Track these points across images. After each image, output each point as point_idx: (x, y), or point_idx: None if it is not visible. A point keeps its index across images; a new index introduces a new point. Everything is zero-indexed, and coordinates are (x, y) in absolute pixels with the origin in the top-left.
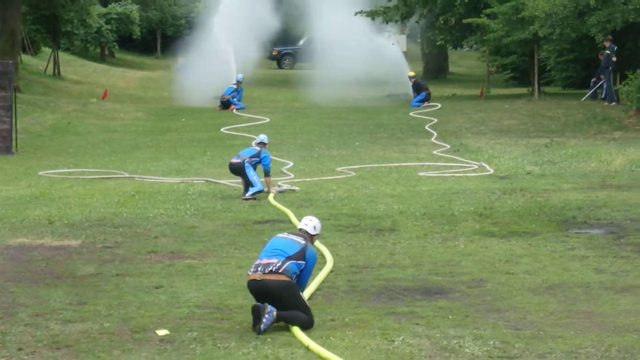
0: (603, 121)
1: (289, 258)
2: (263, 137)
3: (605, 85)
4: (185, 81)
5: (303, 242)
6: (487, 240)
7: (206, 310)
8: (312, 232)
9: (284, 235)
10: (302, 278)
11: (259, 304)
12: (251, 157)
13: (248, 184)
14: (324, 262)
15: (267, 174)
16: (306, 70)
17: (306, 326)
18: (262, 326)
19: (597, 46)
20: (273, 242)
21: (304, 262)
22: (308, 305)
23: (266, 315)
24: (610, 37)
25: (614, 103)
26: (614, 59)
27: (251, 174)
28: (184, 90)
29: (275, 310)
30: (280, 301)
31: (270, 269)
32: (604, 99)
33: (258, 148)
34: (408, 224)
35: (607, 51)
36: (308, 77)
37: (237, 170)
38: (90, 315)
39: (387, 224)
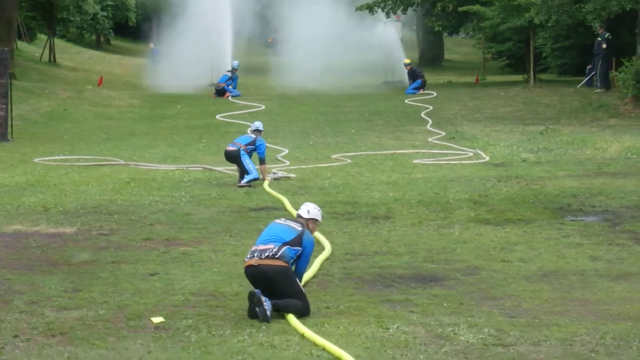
0: (599, 108)
1: (285, 244)
2: (258, 124)
3: (595, 72)
4: (156, 67)
5: (300, 228)
6: (482, 228)
7: (201, 298)
8: (305, 215)
9: (282, 221)
10: (299, 265)
11: (255, 290)
12: (247, 144)
13: (243, 171)
14: (322, 250)
15: (262, 161)
16: (303, 58)
17: (302, 313)
18: (267, 313)
19: (593, 33)
20: (270, 228)
21: (300, 248)
22: (303, 292)
23: (265, 304)
24: (603, 24)
25: (599, 90)
26: (604, 46)
27: (247, 161)
28: (158, 76)
29: (268, 299)
30: (276, 286)
31: (266, 254)
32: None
33: (253, 136)
34: (403, 211)
35: (599, 38)
36: (304, 65)
37: (233, 158)
38: (85, 303)
39: (382, 212)
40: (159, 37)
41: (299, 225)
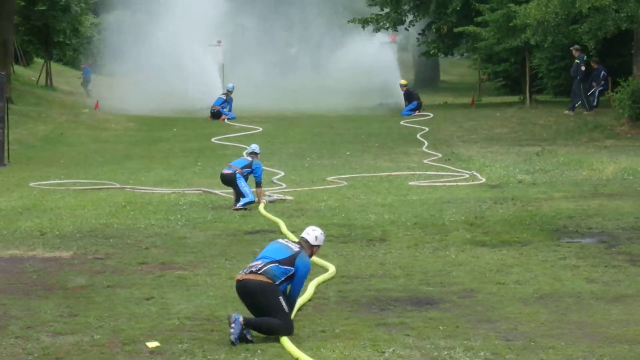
0: (595, 129)
1: (274, 262)
2: (254, 147)
3: (576, 94)
4: (87, 85)
5: (297, 249)
6: (478, 250)
7: (196, 322)
8: (312, 242)
9: (282, 241)
10: (292, 287)
11: (229, 314)
12: (242, 167)
13: (239, 194)
14: (318, 273)
15: (258, 185)
16: (298, 78)
17: (281, 332)
18: (232, 337)
19: (589, 54)
20: (268, 246)
21: (292, 269)
22: (286, 310)
23: (232, 325)
24: (578, 46)
25: (587, 112)
26: (583, 68)
27: (242, 184)
28: (90, 95)
29: (240, 317)
30: (258, 301)
31: (252, 269)
32: (595, 106)
33: (250, 158)
34: (399, 233)
35: (577, 60)
36: (300, 86)
37: (229, 181)
38: (81, 327)
39: (378, 234)
40: (90, 56)
41: (298, 247)
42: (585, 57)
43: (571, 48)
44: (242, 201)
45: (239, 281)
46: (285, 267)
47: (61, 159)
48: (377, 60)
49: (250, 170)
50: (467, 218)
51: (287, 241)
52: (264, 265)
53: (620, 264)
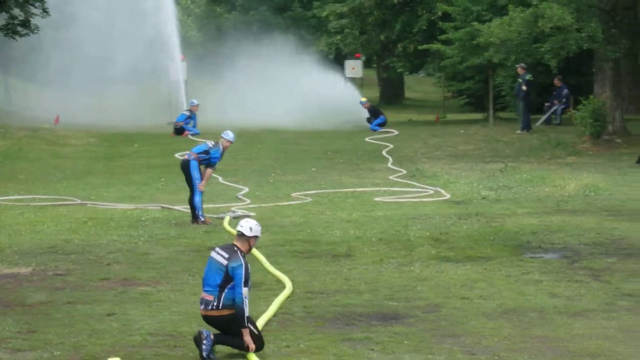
0: (557, 146)
1: (221, 289)
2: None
3: (521, 114)
4: None
5: (225, 262)
6: (442, 265)
7: (159, 338)
8: (248, 234)
9: (215, 255)
10: (235, 291)
11: (199, 330)
12: (199, 153)
13: (189, 186)
14: (282, 289)
15: (209, 165)
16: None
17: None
18: (203, 353)
19: (551, 72)
20: (208, 267)
21: (233, 281)
22: (255, 332)
23: (204, 342)
24: (524, 65)
25: (524, 131)
26: (524, 87)
27: (195, 175)
28: None
29: (211, 333)
30: (229, 331)
31: (213, 305)
32: (559, 124)
33: (211, 144)
34: (364, 249)
35: (519, 80)
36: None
37: (184, 167)
38: (40, 344)
39: (343, 250)
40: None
41: (227, 254)
42: (527, 76)
43: (516, 66)
44: (197, 209)
45: (203, 316)
46: (230, 283)
47: (20, 175)
48: (340, 78)
49: (207, 158)
50: (432, 234)
51: (219, 252)
52: (219, 299)
53: (583, 279)
